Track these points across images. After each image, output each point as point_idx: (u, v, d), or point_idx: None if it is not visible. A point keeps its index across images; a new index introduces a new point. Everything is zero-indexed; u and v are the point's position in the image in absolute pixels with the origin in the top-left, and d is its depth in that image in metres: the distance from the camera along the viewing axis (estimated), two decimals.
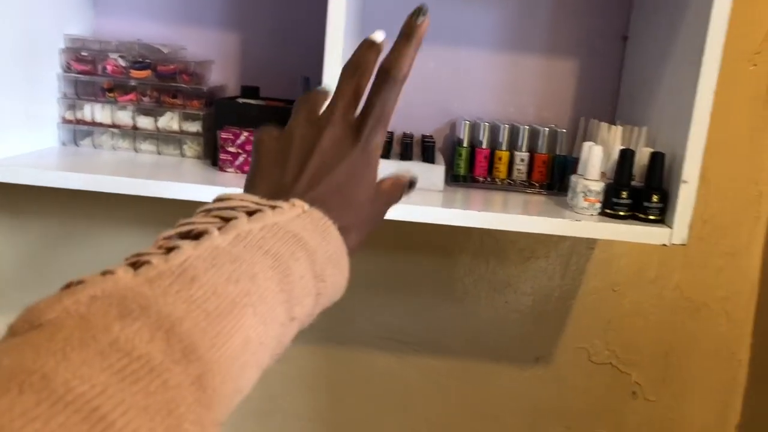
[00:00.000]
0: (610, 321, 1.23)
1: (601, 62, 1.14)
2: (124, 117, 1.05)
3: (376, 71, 0.48)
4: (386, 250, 1.21)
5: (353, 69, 0.48)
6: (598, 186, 0.90)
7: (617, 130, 0.98)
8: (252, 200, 0.41)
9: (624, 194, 0.90)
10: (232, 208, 0.40)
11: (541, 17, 1.13)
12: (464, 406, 1.27)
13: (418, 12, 0.48)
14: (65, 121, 1.06)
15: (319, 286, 0.42)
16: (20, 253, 1.24)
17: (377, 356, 1.25)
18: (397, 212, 0.88)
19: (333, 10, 0.83)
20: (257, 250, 0.38)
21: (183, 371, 0.30)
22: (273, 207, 0.41)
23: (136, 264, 0.34)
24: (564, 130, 1.06)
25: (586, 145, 0.93)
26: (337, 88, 0.49)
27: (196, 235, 0.37)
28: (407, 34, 0.48)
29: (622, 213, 0.90)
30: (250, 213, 0.40)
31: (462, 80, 1.15)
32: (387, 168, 0.97)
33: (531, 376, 1.25)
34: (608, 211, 0.91)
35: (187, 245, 0.36)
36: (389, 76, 0.48)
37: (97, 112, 1.05)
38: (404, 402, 1.27)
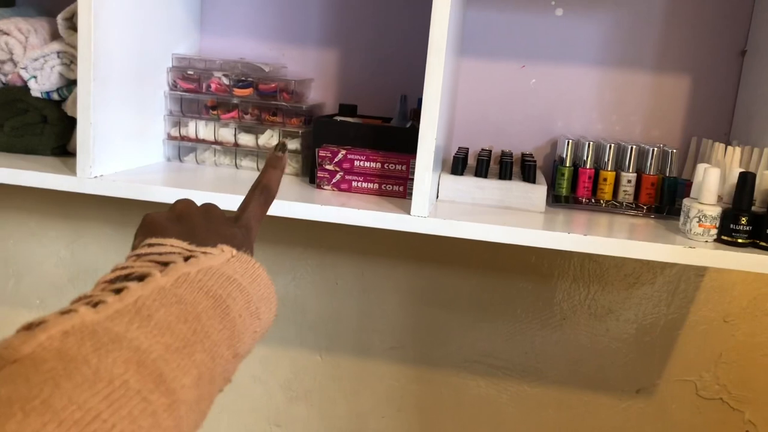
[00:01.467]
0: (721, 354, 1.15)
1: (716, 78, 1.07)
2: (227, 134, 1.07)
3: (259, 186, 0.56)
4: (481, 271, 1.18)
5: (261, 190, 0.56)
6: (714, 211, 0.84)
7: (735, 151, 0.91)
8: (183, 246, 0.45)
9: (743, 220, 0.83)
10: (166, 253, 0.44)
11: (652, 31, 1.08)
12: None
13: (280, 147, 0.58)
14: (170, 137, 1.09)
15: (255, 324, 0.45)
16: None
17: (469, 380, 1.22)
18: (496, 233, 0.85)
19: (435, 30, 0.82)
20: (198, 291, 0.41)
21: (157, 399, 0.33)
22: (204, 252, 0.44)
23: (91, 303, 0.37)
24: (674, 150, 1.00)
25: (701, 166, 0.87)
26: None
27: (139, 277, 0.40)
28: (272, 164, 0.57)
29: (740, 240, 0.84)
30: (185, 258, 0.43)
31: (564, 97, 1.11)
32: (487, 186, 0.95)
33: (632, 408, 1.19)
34: (725, 237, 0.85)
35: (135, 286, 0.38)
36: (267, 192, 0.56)
37: (201, 129, 1.07)
38: (495, 428, 1.23)
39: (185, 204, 0.53)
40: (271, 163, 0.58)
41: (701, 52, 1.07)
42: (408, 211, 0.87)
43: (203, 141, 1.08)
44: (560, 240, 0.85)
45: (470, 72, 1.12)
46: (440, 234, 0.86)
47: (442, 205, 0.94)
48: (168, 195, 0.92)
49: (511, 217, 0.90)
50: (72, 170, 0.94)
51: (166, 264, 0.42)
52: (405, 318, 1.22)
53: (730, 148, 0.92)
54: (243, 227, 0.53)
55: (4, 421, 0.27)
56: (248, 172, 1.07)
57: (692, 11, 1.06)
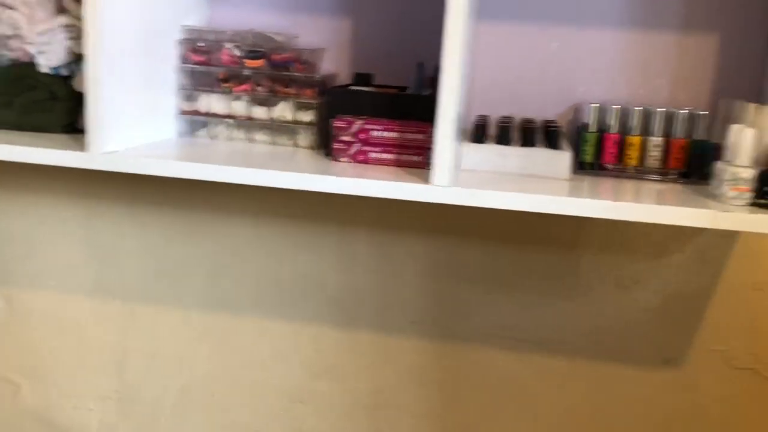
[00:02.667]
0: (753, 322, 1.12)
1: (745, 37, 1.03)
2: (239, 107, 1.04)
3: None
4: (503, 243, 1.15)
5: None
6: (749, 173, 0.81)
7: None
8: None
9: None
10: None
11: None
12: (585, 410, 1.19)
13: None
14: (182, 112, 1.06)
15: None
16: (139, 243, 1.27)
17: (493, 354, 1.20)
18: (521, 202, 0.82)
19: None
20: None
21: None
22: None
23: None
24: (704, 113, 0.96)
25: (735, 127, 0.83)
26: None
27: None
28: None
29: None
30: None
31: (586, 61, 1.07)
32: (509, 154, 0.92)
33: (660, 379, 1.16)
34: (761, 201, 0.81)
35: None
36: None
37: (213, 102, 1.05)
38: (521, 402, 1.21)
39: None
40: None
41: (729, 9, 1.03)
42: (429, 182, 0.84)
43: (216, 115, 1.05)
44: (589, 207, 0.81)
45: (488, 36, 1.08)
46: (463, 204, 0.84)
47: (464, 175, 0.91)
48: (181, 170, 0.89)
49: (535, 185, 0.87)
50: (82, 146, 0.92)
51: None
52: (426, 292, 1.20)
53: (764, 108, 0.88)
54: None
55: None
56: (262, 146, 1.04)
57: None
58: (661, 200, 0.85)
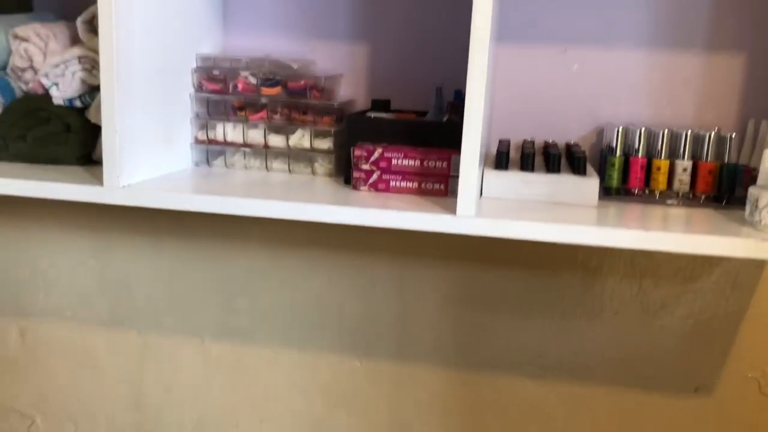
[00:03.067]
0: None
1: None
2: (256, 136, 1.02)
3: None
4: (524, 269, 1.13)
5: None
6: None
7: None
8: None
9: None
10: None
11: (703, 7, 1.01)
12: None
13: None
14: (198, 141, 1.05)
15: None
16: (153, 273, 1.25)
17: (517, 382, 1.17)
18: (550, 233, 0.80)
19: (478, 17, 0.76)
20: None
21: None
22: None
23: None
24: (732, 134, 0.93)
25: None
26: None
27: None
28: None
29: None
30: None
31: (610, 82, 1.04)
32: (534, 181, 0.90)
33: (690, 407, 1.13)
34: None
35: None
36: None
37: (229, 131, 1.03)
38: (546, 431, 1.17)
39: None
40: None
41: (756, 27, 1.00)
42: (453, 211, 0.82)
43: (232, 144, 1.04)
44: (620, 237, 0.79)
45: (508, 59, 1.06)
46: (489, 235, 0.81)
47: (488, 203, 0.89)
48: (199, 204, 0.87)
49: (562, 213, 0.85)
50: (99, 180, 0.90)
51: None
52: (446, 320, 1.17)
53: None
54: None
55: None
56: (280, 175, 1.02)
57: None
58: (693, 228, 0.82)
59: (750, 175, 0.91)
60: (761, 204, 0.80)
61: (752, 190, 0.82)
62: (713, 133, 0.93)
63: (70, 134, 1.00)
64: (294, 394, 1.25)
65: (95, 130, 1.01)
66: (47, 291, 1.30)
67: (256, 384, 1.26)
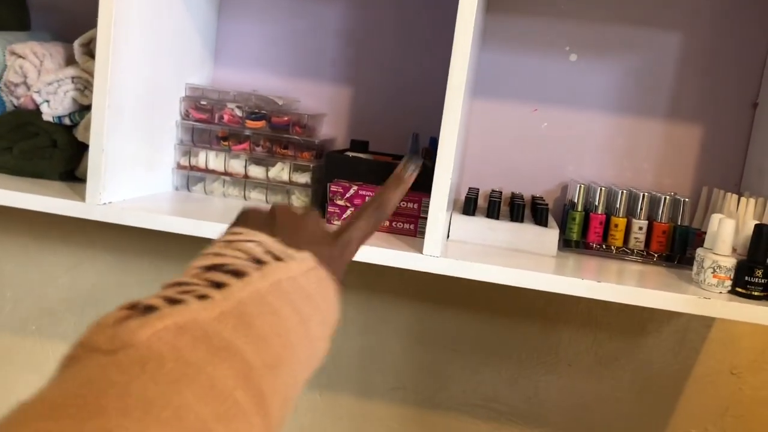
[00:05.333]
0: (728, 407, 1.13)
1: (728, 129, 1.08)
2: (237, 165, 1.06)
3: (375, 202, 0.54)
4: (486, 313, 1.17)
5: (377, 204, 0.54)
6: (729, 262, 0.84)
7: (749, 203, 0.91)
8: (274, 244, 0.42)
9: (759, 273, 0.83)
10: (256, 247, 0.41)
11: (665, 80, 1.08)
12: None
13: (409, 165, 0.54)
14: (180, 166, 1.08)
15: (324, 347, 0.43)
16: (124, 292, 1.27)
17: (471, 424, 1.19)
18: (509, 276, 0.84)
19: (455, 72, 0.82)
20: (287, 304, 0.39)
21: (258, 423, 0.31)
22: (291, 257, 0.42)
23: (197, 295, 0.35)
24: (686, 199, 0.99)
25: (716, 217, 0.87)
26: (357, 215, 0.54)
27: (234, 273, 0.38)
28: (396, 183, 0.55)
29: (756, 293, 0.83)
30: (275, 258, 0.41)
31: (576, 142, 1.11)
32: (498, 228, 0.95)
33: None
34: (740, 289, 0.84)
35: (235, 284, 0.37)
36: (382, 211, 0.54)
37: (211, 159, 1.07)
38: None
39: (284, 207, 0.49)
40: (396, 182, 0.55)
41: (713, 102, 1.08)
42: (420, 250, 0.86)
43: (213, 171, 1.07)
44: (574, 286, 0.84)
45: (482, 113, 1.12)
46: (452, 275, 0.85)
47: (453, 245, 0.93)
48: (176, 224, 0.90)
49: (522, 260, 0.89)
50: (80, 196, 0.93)
51: (258, 261, 0.40)
52: (407, 358, 1.20)
53: (743, 199, 0.92)
54: (342, 243, 0.49)
55: (147, 423, 0.27)
56: (256, 204, 1.06)
57: (705, 62, 1.07)
58: (643, 283, 0.87)
59: (701, 238, 0.96)
60: (706, 265, 0.85)
61: (699, 251, 0.88)
62: (669, 197, 0.99)
63: (56, 150, 1.03)
64: None
65: (80, 148, 1.04)
66: (14, 304, 1.31)
67: None
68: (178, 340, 0.31)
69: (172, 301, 0.34)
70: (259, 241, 0.42)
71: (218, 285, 0.37)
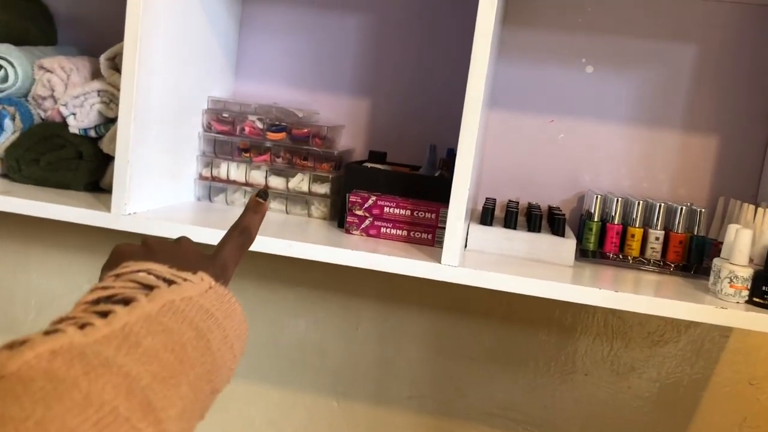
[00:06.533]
0: (746, 418, 1.13)
1: (744, 140, 1.08)
2: (258, 176, 1.08)
3: (238, 227, 0.58)
4: (503, 322, 1.18)
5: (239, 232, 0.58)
6: (746, 272, 0.84)
7: (766, 214, 0.91)
8: (163, 270, 0.45)
9: None
10: (146, 276, 0.44)
11: (681, 91, 1.09)
12: None
13: (262, 194, 0.61)
14: (202, 177, 1.10)
15: (230, 360, 0.45)
16: None
17: None
18: (526, 286, 0.85)
19: (473, 84, 0.84)
20: (182, 321, 0.41)
21: (146, 428, 0.32)
22: (185, 279, 0.45)
23: (78, 324, 0.36)
24: (703, 210, 1.00)
25: (733, 227, 0.87)
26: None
27: (123, 301, 0.40)
28: (254, 209, 0.60)
29: None
30: (167, 282, 0.43)
31: (592, 152, 1.12)
32: (515, 238, 0.96)
33: None
34: (757, 299, 0.84)
35: (121, 310, 0.38)
36: (247, 235, 0.59)
37: (232, 170, 1.09)
38: None
39: (156, 238, 0.54)
40: (252, 207, 0.60)
41: (729, 112, 1.09)
42: (438, 260, 0.87)
43: (234, 182, 1.09)
44: (591, 295, 0.84)
45: (499, 124, 1.14)
46: (470, 284, 0.87)
47: (471, 255, 0.95)
48: (199, 234, 0.92)
49: (540, 270, 0.90)
50: (106, 206, 0.95)
51: (148, 287, 0.42)
52: (425, 367, 1.21)
53: (760, 209, 0.93)
54: (218, 266, 0.53)
55: None
56: (277, 215, 1.08)
57: (721, 72, 1.08)
58: (660, 293, 0.88)
59: (717, 248, 0.97)
60: (723, 275, 0.86)
61: (716, 261, 0.88)
62: (685, 207, 1.00)
63: (81, 161, 1.06)
64: None
65: (106, 160, 1.06)
66: (38, 313, 1.33)
67: (232, 420, 1.28)
68: (51, 364, 0.32)
69: (48, 333, 0.35)
70: (149, 269, 0.45)
71: (103, 314, 0.38)
